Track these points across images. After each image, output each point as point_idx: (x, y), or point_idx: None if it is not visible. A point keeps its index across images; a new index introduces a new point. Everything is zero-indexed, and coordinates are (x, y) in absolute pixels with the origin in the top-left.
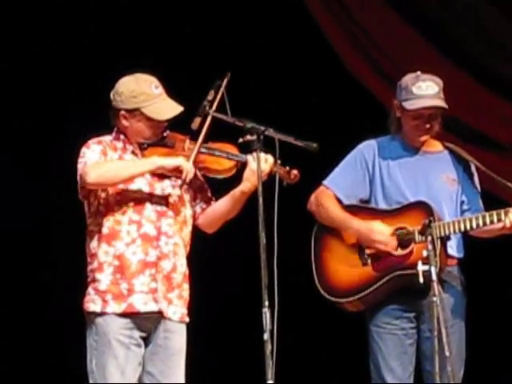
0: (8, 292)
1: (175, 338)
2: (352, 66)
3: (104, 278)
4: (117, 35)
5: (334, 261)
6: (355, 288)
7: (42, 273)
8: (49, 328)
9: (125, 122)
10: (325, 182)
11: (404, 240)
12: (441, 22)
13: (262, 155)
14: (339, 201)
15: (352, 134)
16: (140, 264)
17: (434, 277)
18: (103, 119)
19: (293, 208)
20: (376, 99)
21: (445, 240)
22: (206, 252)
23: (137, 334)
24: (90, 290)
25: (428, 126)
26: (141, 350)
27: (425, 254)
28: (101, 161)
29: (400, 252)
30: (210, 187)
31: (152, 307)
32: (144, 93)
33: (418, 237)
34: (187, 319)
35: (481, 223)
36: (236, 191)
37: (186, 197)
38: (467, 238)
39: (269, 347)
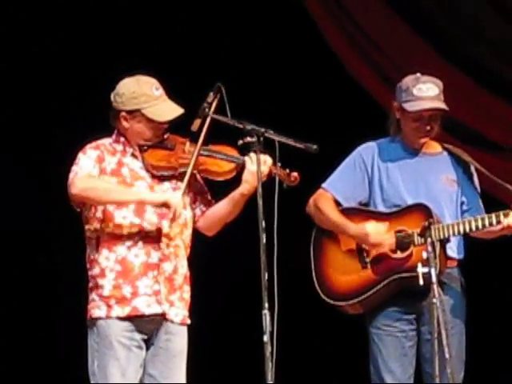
0: (8, 292)
1: (176, 340)
2: (351, 68)
3: (107, 284)
4: (117, 36)
5: (333, 264)
6: (355, 291)
7: (41, 273)
8: (49, 328)
9: (125, 124)
10: (324, 185)
11: (403, 242)
12: (440, 23)
13: (260, 157)
14: (338, 203)
15: (352, 135)
16: (143, 266)
17: (434, 279)
18: (103, 120)
19: (293, 210)
20: (375, 101)
21: (444, 242)
22: (206, 254)
23: (138, 335)
24: (94, 296)
25: (428, 127)
26: (142, 351)
27: (424, 256)
28: (93, 174)
29: (399, 254)
30: (209, 190)
31: (156, 309)
32: (145, 94)
33: (417, 239)
34: (188, 321)
35: (480, 225)
36: (235, 193)
37: (186, 199)
38: (467, 239)
39: (269, 349)
